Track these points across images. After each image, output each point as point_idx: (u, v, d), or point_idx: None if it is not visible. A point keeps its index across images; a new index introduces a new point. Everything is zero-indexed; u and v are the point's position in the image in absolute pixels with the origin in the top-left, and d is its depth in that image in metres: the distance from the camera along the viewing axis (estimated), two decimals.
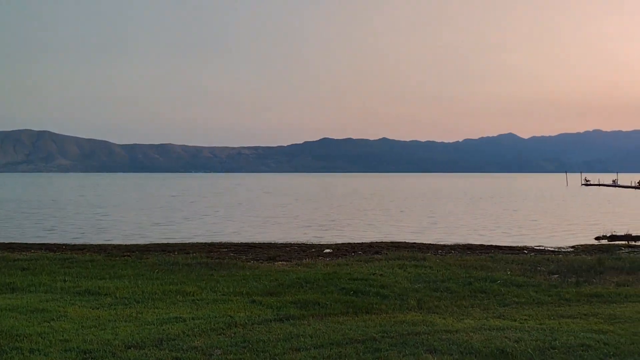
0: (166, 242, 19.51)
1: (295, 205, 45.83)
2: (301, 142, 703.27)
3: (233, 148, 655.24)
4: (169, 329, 6.65)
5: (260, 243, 18.90)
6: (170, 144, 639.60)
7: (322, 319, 7.29)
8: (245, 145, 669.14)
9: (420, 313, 7.78)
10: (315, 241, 20.10)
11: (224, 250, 16.88)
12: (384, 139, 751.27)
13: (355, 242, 19.47)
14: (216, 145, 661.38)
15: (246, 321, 7.00)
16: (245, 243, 18.86)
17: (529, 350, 5.59)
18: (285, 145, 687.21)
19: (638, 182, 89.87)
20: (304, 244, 18.95)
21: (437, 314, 7.75)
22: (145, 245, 18.05)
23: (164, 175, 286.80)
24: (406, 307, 8.27)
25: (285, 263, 13.88)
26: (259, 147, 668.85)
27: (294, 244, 18.89)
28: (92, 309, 7.83)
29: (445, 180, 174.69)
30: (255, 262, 13.99)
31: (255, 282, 10.02)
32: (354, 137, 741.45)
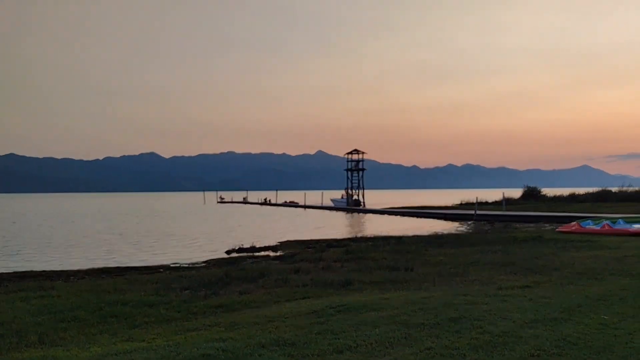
0: None
1: None
2: None
3: None
4: None
5: None
6: None
7: None
8: None
9: (42, 348, 7.05)
10: None
11: None
12: (12, 155, 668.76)
13: None
14: None
15: None
16: None
17: None
18: None
19: (264, 199, 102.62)
20: None
21: (61, 346, 7.14)
22: None
23: None
24: (25, 344, 7.38)
25: None
26: None
27: None
28: None
29: (81, 200, 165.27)
30: None
31: None
32: None
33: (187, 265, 18.34)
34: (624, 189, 55.60)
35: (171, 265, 18.60)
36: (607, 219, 25.20)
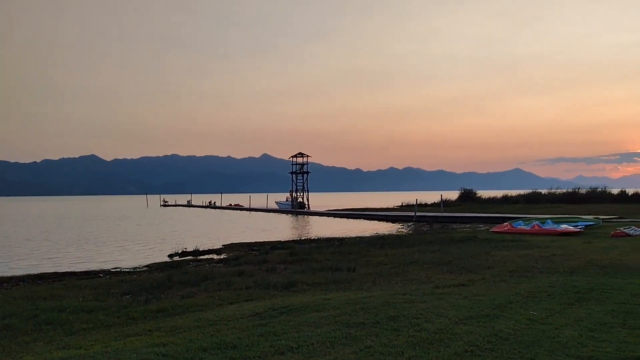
0: None
1: None
2: None
3: None
4: None
5: None
6: None
7: None
8: None
9: None
10: None
11: None
12: None
13: None
14: None
15: None
16: None
17: None
18: None
19: (208, 202, 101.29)
20: None
21: None
22: None
23: None
24: None
25: None
26: None
27: None
28: None
29: (17, 204, 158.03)
30: None
31: None
32: None
33: (128, 270, 17.91)
34: (553, 191, 58.39)
35: (111, 270, 18.12)
36: (536, 219, 26.44)
